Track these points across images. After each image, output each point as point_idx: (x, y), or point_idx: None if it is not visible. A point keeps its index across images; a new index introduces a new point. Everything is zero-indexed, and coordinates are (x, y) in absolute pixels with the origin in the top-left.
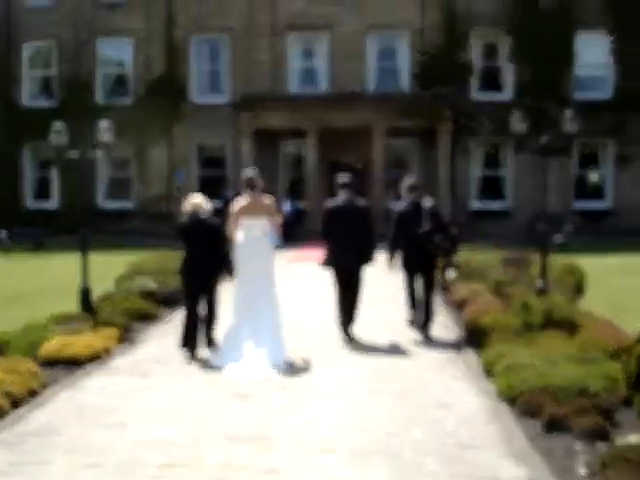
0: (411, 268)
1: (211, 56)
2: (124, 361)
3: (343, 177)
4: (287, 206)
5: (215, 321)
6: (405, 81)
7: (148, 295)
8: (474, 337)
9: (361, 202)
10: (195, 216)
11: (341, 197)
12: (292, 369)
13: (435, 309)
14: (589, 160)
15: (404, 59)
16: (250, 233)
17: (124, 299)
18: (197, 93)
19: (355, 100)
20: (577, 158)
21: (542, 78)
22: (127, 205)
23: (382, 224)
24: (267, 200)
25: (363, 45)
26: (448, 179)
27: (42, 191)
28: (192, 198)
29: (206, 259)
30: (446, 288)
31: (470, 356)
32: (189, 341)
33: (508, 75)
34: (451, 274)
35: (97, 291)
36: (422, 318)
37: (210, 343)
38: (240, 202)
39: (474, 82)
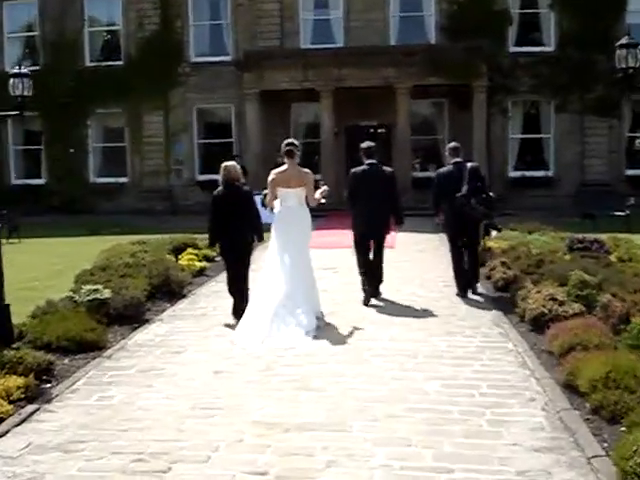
0: (453, 231)
1: (211, 9)
2: None
3: (368, 143)
4: None
5: (248, 291)
6: (432, 34)
7: (98, 308)
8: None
9: (386, 169)
10: (229, 185)
11: (366, 164)
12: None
13: (478, 269)
14: None
15: (430, 8)
16: (286, 203)
17: (62, 317)
18: (196, 52)
19: (375, 56)
20: (629, 119)
21: (589, 27)
22: (121, 180)
23: (409, 194)
24: (304, 170)
25: None
26: (484, 144)
27: (28, 167)
28: (226, 163)
29: (240, 227)
30: (488, 250)
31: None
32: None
33: (550, 25)
34: (494, 235)
35: (53, 293)
36: (467, 280)
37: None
38: (277, 171)
39: (511, 34)
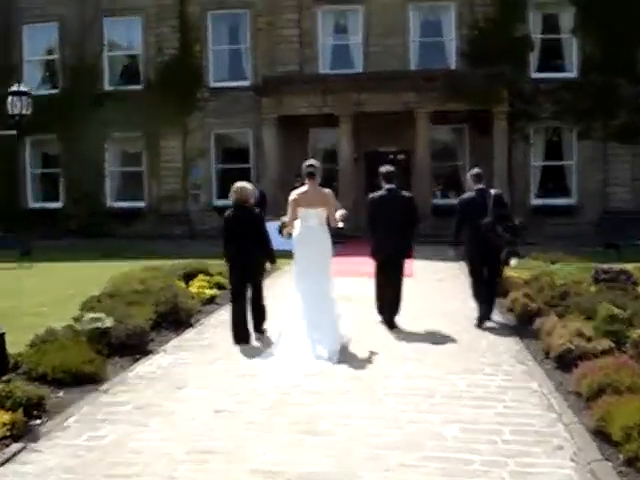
0: (476, 259)
1: (230, 34)
2: None
3: (387, 168)
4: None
5: (264, 311)
6: (452, 59)
7: (100, 337)
8: None
9: (405, 193)
10: (239, 207)
11: (385, 188)
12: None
13: (495, 299)
14: None
15: (450, 33)
16: (307, 223)
17: (60, 347)
18: (215, 77)
19: (395, 81)
20: None
21: (611, 52)
22: (138, 204)
23: (429, 221)
24: (325, 190)
25: (403, 18)
26: (505, 171)
27: (46, 190)
28: (237, 184)
29: (251, 249)
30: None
31: None
32: (241, 334)
33: (572, 50)
34: (513, 263)
35: (58, 320)
36: (483, 308)
37: (260, 332)
38: (298, 191)
39: (533, 59)
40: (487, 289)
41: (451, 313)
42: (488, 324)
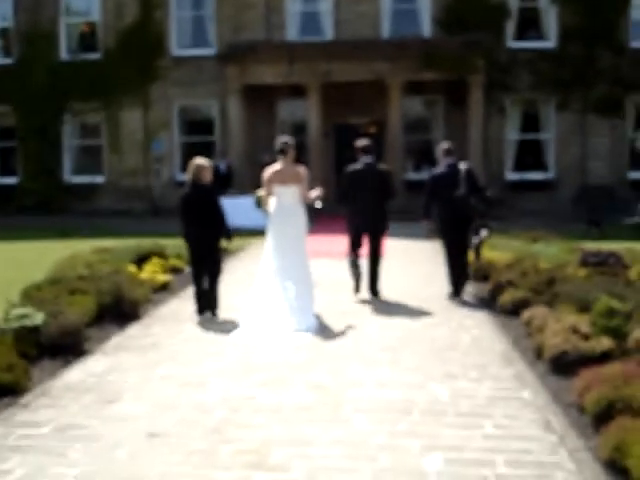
0: (449, 232)
1: (194, 0)
2: None
3: (364, 141)
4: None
5: (216, 295)
6: (426, 27)
7: (27, 337)
8: None
9: (383, 167)
10: (194, 184)
11: (361, 162)
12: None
13: (468, 272)
14: None
15: (425, 0)
16: (281, 200)
17: None
18: (177, 44)
19: (366, 49)
20: (633, 119)
21: (591, 22)
22: (97, 179)
23: (401, 197)
24: (299, 167)
25: None
26: (480, 144)
27: (1, 165)
28: (193, 161)
29: (207, 228)
30: (477, 251)
31: None
32: (202, 306)
33: (550, 19)
34: (484, 234)
35: None
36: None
37: (213, 308)
38: (272, 169)
39: (510, 28)
40: (459, 264)
41: (427, 301)
42: (466, 312)
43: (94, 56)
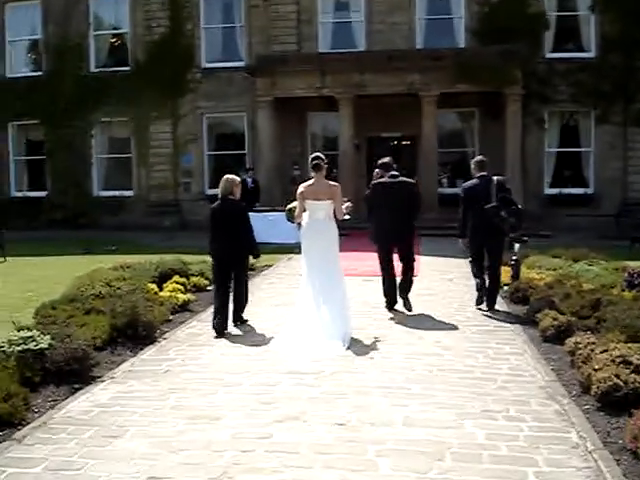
0: (478, 243)
1: (224, 11)
2: None
3: (383, 159)
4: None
5: (244, 300)
6: (461, 38)
7: (32, 362)
8: None
9: (408, 179)
10: (224, 199)
11: (388, 175)
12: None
13: (499, 285)
14: None
15: (459, 10)
16: (314, 215)
17: None
18: (207, 57)
19: (399, 60)
20: None
21: (633, 30)
22: (126, 193)
23: (435, 212)
24: (332, 183)
25: None
26: (518, 158)
27: (30, 178)
28: (225, 176)
29: (235, 243)
30: (516, 269)
31: None
32: (218, 325)
33: (590, 28)
34: (517, 248)
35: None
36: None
37: (239, 321)
38: (305, 184)
39: (548, 38)
40: (490, 275)
41: (463, 324)
42: (504, 337)
43: (123, 69)
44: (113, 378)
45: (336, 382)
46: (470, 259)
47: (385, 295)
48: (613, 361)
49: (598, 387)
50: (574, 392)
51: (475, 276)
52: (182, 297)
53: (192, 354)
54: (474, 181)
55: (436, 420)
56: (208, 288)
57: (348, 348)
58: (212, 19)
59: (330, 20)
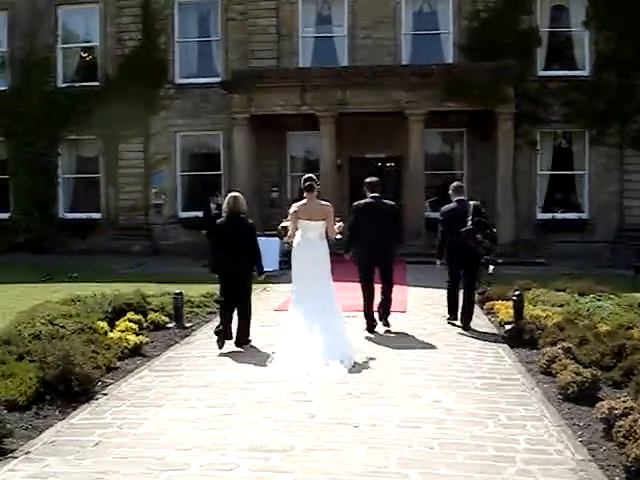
0: (454, 264)
1: (199, 25)
2: None
3: (371, 178)
4: None
5: (249, 320)
6: (449, 54)
7: None
8: None
9: (389, 202)
10: (233, 216)
11: (370, 196)
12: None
13: (473, 304)
14: None
15: (447, 26)
16: (306, 235)
17: None
18: (181, 72)
19: (384, 76)
20: None
21: (628, 49)
22: (94, 216)
23: (422, 237)
24: (324, 203)
25: (394, 8)
26: (509, 181)
27: None
28: (230, 194)
29: (244, 258)
30: (514, 300)
31: None
32: (222, 334)
33: (584, 45)
34: (491, 269)
35: None
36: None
37: (243, 343)
38: (298, 203)
39: (540, 55)
40: (465, 298)
41: (464, 375)
42: (515, 393)
43: (93, 84)
44: (28, 453)
45: (310, 465)
46: (448, 279)
47: (366, 317)
48: None
49: None
50: (617, 477)
51: (449, 304)
52: (134, 339)
53: (133, 418)
54: (452, 205)
55: None
56: (168, 326)
57: (351, 369)
58: (187, 32)
59: (311, 35)
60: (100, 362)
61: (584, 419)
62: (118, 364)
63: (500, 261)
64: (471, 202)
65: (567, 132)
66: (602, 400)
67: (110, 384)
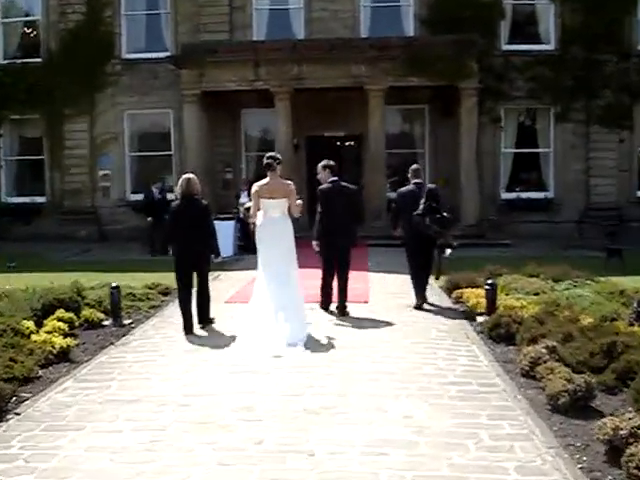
0: (413, 248)
1: None
2: None
3: (330, 162)
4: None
5: (209, 300)
6: (409, 27)
7: None
8: None
9: (349, 186)
10: (188, 198)
11: (329, 180)
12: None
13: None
14: None
15: None
16: (269, 213)
17: None
18: (129, 47)
19: (342, 50)
20: None
21: (595, 23)
22: (38, 200)
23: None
24: (286, 181)
25: None
26: (473, 159)
27: None
28: (183, 176)
29: (200, 241)
30: (486, 290)
31: None
32: (189, 325)
33: (549, 19)
34: (448, 253)
35: None
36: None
37: (205, 322)
38: (260, 183)
39: (504, 29)
40: (423, 275)
41: (436, 380)
42: (496, 403)
43: (35, 60)
44: None
45: None
46: (409, 262)
47: (322, 293)
48: None
49: None
50: None
51: (415, 286)
52: (60, 342)
53: (45, 447)
54: (410, 187)
55: None
56: (104, 323)
57: (307, 348)
58: (134, 5)
59: (266, 7)
60: (17, 372)
61: (581, 437)
62: (40, 373)
63: (456, 244)
64: (429, 185)
65: (532, 108)
66: (597, 411)
67: (26, 399)
